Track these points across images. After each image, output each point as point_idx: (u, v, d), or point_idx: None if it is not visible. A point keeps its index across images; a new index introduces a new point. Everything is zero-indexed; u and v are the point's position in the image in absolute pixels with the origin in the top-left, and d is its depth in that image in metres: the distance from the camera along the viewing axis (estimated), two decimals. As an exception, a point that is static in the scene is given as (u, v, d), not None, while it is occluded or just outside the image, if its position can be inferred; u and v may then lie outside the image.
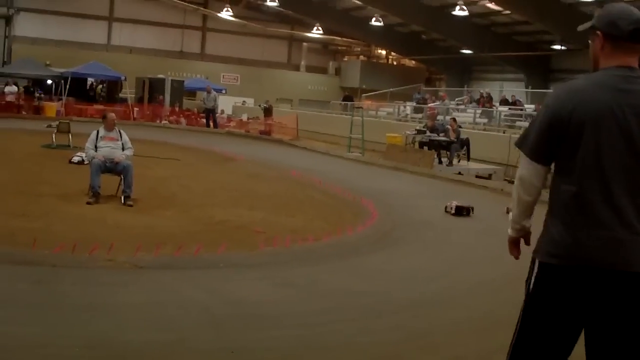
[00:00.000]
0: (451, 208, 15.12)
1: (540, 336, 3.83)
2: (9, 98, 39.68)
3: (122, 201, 13.50)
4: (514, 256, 4.10)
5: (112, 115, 15.21)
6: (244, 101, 49.18)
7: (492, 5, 40.47)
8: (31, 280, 7.83)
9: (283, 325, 6.92)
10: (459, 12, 39.27)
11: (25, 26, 53.82)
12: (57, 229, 10.94)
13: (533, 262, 3.88)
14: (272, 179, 19.50)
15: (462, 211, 15.00)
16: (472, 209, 15.17)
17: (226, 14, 54.58)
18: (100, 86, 47.64)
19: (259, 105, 42.50)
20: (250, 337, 6.51)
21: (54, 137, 23.35)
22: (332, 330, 6.90)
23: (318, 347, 6.47)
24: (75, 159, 19.13)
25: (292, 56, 62.78)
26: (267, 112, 40.24)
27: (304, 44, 61.44)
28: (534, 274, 3.84)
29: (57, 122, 25.69)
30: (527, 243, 4.06)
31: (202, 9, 57.87)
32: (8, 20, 53.09)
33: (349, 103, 44.11)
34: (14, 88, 40.61)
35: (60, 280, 7.97)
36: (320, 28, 56.35)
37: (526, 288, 3.91)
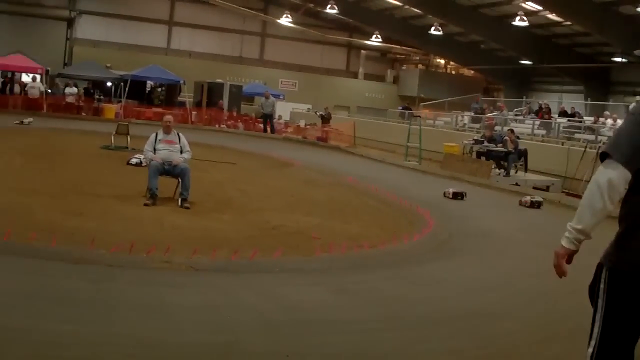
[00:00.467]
0: (449, 193, 18.42)
1: (621, 344, 3.81)
2: (69, 99, 40.13)
3: (179, 203, 13.58)
4: (561, 273, 4.00)
5: (170, 118, 15.29)
6: (308, 108, 48.77)
7: (552, 16, 40.09)
8: (88, 279, 7.89)
9: (338, 332, 6.87)
10: (519, 22, 38.99)
11: (87, 29, 54.51)
12: (115, 229, 11.03)
13: (600, 270, 3.83)
14: (328, 185, 19.49)
15: (457, 196, 18.36)
16: (465, 194, 18.56)
17: (285, 20, 54.79)
18: (160, 89, 47.97)
19: (315, 112, 42.45)
20: (305, 342, 6.48)
21: (112, 138, 23.55)
22: (387, 337, 6.85)
23: (373, 354, 6.40)
24: (134, 160, 19.29)
25: (351, 63, 62.73)
26: (325, 119, 40.14)
27: (363, 51, 61.37)
28: (605, 282, 3.79)
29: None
30: (570, 261, 3.98)
31: (261, 15, 58.05)
32: (70, 22, 53.84)
33: (406, 111, 43.96)
34: (74, 89, 41.07)
35: (116, 280, 8.02)
36: (379, 36, 56.28)
37: (594, 296, 3.86)
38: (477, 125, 36.31)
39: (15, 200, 12.82)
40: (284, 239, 11.54)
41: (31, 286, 7.44)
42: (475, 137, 27.19)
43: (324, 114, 40.47)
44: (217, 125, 39.82)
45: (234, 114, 42.58)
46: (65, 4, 54.02)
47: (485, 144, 25.39)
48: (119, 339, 6.07)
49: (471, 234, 13.46)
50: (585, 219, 3.88)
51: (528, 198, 18.30)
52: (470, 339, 7.10)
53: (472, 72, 59.68)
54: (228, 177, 19.10)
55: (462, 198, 18.30)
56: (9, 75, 42.50)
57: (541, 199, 18.28)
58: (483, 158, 24.96)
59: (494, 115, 37.48)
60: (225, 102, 43.07)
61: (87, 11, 54.75)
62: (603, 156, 3.84)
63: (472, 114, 39.91)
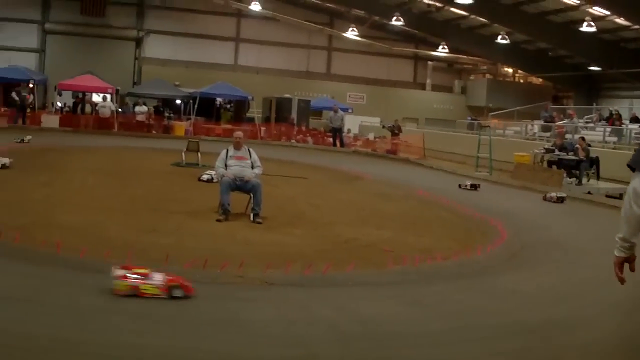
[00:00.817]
0: (465, 185, 22.01)
1: None
2: (139, 118, 40.64)
3: (252, 219, 13.63)
4: (619, 280, 4.03)
5: (240, 134, 15.37)
6: (383, 125, 48.11)
7: (620, 20, 39.53)
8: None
9: (413, 344, 6.84)
10: (587, 28, 38.42)
11: (155, 48, 55.22)
12: (188, 245, 11.13)
13: None
14: (399, 197, 19.45)
15: (475, 187, 21.91)
16: (479, 185, 22.14)
17: (351, 33, 54.81)
18: (228, 105, 48.30)
19: (383, 126, 42.36)
20: (380, 355, 6.45)
21: (183, 155, 23.76)
22: (462, 350, 6.80)
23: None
24: (205, 177, 19.43)
25: (418, 75, 62.48)
26: (394, 132, 40.01)
27: (429, 62, 61.08)
28: None
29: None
30: (632, 269, 4.00)
31: (327, 29, 58.16)
32: (138, 42, 54.63)
33: (475, 122, 43.68)
34: (144, 108, 41.58)
35: (192, 295, 8.07)
36: (445, 46, 56.02)
37: None
38: (548, 134, 35.89)
39: (90, 219, 13.00)
40: (357, 253, 11.53)
41: (106, 302, 7.51)
42: (546, 146, 26.88)
43: (393, 126, 40.37)
44: (289, 140, 39.93)
45: (303, 128, 42.69)
46: (133, 24, 54.80)
47: (556, 152, 25.12)
48: (197, 353, 6.12)
49: (544, 244, 13.34)
50: (622, 227, 4.09)
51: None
52: (544, 351, 7.02)
53: (540, 80, 59.06)
54: (299, 192, 19.16)
55: (476, 189, 21.80)
56: (80, 95, 43.15)
57: (564, 195, 20.34)
58: (554, 167, 24.70)
59: (564, 123, 37.05)
60: (294, 117, 43.25)
61: (154, 30, 55.45)
62: (632, 168, 4.14)
63: (542, 122, 39.47)
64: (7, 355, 5.73)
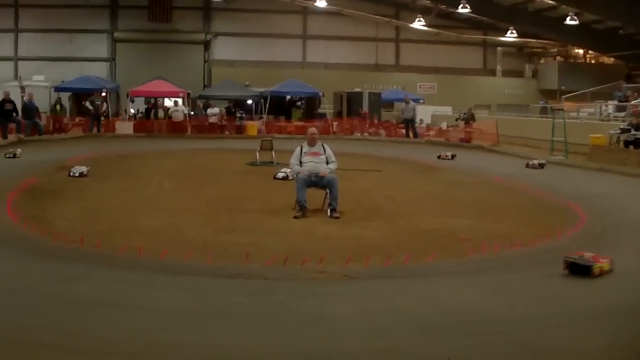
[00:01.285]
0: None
1: None
2: (212, 119, 40.88)
3: (329, 214, 13.68)
4: None
5: (313, 130, 15.40)
6: (457, 117, 47.52)
7: (692, -6, 38.76)
8: (245, 292, 8.03)
9: (497, 332, 6.76)
10: (658, 3, 37.77)
11: (223, 50, 55.72)
12: (267, 243, 11.21)
13: None
14: (475, 185, 19.33)
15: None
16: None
17: (418, 24, 54.54)
18: (299, 102, 48.40)
19: (456, 119, 42.04)
20: (466, 344, 6.40)
21: (257, 154, 23.90)
22: (548, 335, 6.70)
23: (535, 352, 6.26)
24: (280, 174, 19.53)
25: (487, 61, 61.93)
26: (468, 120, 39.71)
27: (499, 48, 60.45)
28: None
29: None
30: None
31: (394, 20, 57.97)
32: (206, 45, 55.10)
33: (548, 106, 43.14)
34: (216, 110, 41.82)
35: (273, 292, 8.12)
36: (514, 31, 55.39)
37: None
38: (622, 114, 35.28)
39: (169, 221, 13.18)
40: (435, 243, 11.52)
41: (191, 303, 7.62)
42: (622, 126, 26.45)
43: (466, 115, 40.10)
44: (359, 134, 39.88)
45: (375, 121, 42.59)
46: (200, 28, 55.37)
47: (633, 132, 24.70)
48: (280, 349, 6.14)
49: (625, 226, 13.09)
50: None
51: (536, 161, 23.56)
52: (634, 334, 6.92)
53: (612, 59, 58.11)
54: (374, 185, 19.16)
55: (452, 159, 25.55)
56: (152, 101, 43.64)
57: (544, 161, 23.54)
58: (631, 147, 24.29)
59: (638, 102, 36.43)
60: (365, 110, 43.19)
61: (221, 33, 55.97)
62: None
63: (616, 102, 38.81)
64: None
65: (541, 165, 22.54)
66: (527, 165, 22.60)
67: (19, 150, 24.14)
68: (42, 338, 6.30)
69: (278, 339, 6.40)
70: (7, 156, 23.03)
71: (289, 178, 17.91)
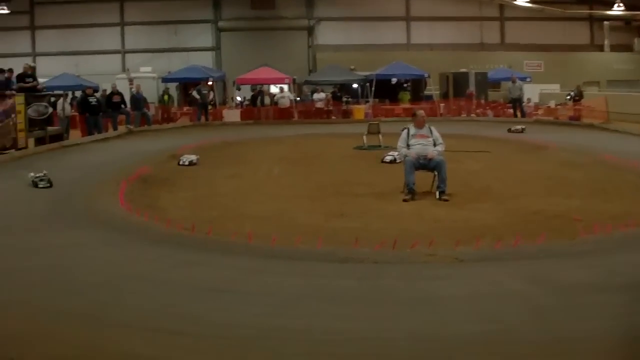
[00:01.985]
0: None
1: None
2: (318, 105, 41.05)
3: (437, 196, 13.66)
4: None
5: (421, 112, 15.33)
6: (569, 94, 46.56)
7: None
8: (355, 277, 8.07)
9: (611, 315, 6.59)
10: None
11: (327, 34, 55.78)
12: (376, 227, 11.25)
13: None
14: (585, 165, 18.96)
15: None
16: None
17: (522, 1, 53.72)
18: (405, 85, 48.21)
19: (567, 97, 41.30)
20: (578, 327, 6.27)
21: (365, 138, 23.92)
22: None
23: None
24: (387, 158, 19.54)
25: (595, 36, 60.51)
26: (575, 98, 39.05)
27: (605, 22, 59.02)
28: None
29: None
30: None
31: (498, -1, 57.29)
32: (310, 30, 55.22)
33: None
34: (322, 95, 41.97)
35: (383, 276, 8.13)
36: (621, 4, 54.03)
37: None
38: None
39: (279, 207, 13.34)
40: (546, 224, 11.36)
41: (302, 288, 7.70)
42: None
43: (575, 94, 39.44)
44: (465, 115, 39.59)
45: (482, 101, 42.19)
46: (304, 14, 55.55)
47: None
48: (391, 333, 6.12)
49: None
50: None
51: (518, 126, 27.19)
52: None
53: None
54: (483, 166, 19.01)
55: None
56: (258, 88, 44.02)
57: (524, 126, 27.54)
58: None
59: None
60: (472, 90, 42.81)
61: (325, 18, 56.03)
62: None
63: None
64: (215, 345, 5.95)
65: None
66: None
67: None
68: (159, 323, 6.46)
69: (388, 323, 6.40)
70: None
71: (397, 161, 17.91)
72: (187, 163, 19.57)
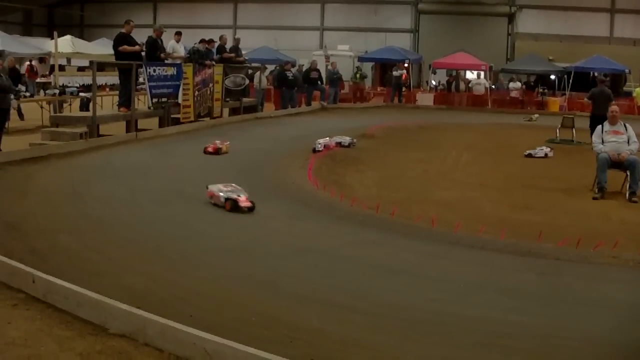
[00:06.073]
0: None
1: None
2: (513, 94, 40.57)
3: (628, 197, 13.28)
4: None
5: (615, 108, 14.96)
6: None
7: None
8: (536, 271, 8.05)
9: None
10: None
11: (527, 23, 54.61)
12: (561, 223, 11.10)
13: None
14: None
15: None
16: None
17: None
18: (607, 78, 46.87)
19: None
20: None
21: (557, 132, 23.51)
22: None
23: None
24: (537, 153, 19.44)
25: None
26: None
27: None
28: None
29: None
30: None
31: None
32: (510, 18, 54.35)
33: None
34: (518, 84, 41.47)
35: (563, 274, 8.07)
36: None
37: None
38: None
39: (465, 195, 13.35)
40: None
41: (481, 277, 7.77)
42: None
43: None
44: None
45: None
46: (505, 0, 54.66)
47: None
48: (565, 332, 6.12)
49: None
50: None
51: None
52: None
53: None
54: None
55: None
56: (454, 73, 43.82)
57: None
58: None
59: None
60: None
61: (527, 5, 54.85)
62: None
63: None
64: (386, 324, 6.10)
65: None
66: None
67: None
68: (332, 297, 6.71)
69: (563, 322, 6.39)
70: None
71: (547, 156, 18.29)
72: (321, 148, 17.57)
